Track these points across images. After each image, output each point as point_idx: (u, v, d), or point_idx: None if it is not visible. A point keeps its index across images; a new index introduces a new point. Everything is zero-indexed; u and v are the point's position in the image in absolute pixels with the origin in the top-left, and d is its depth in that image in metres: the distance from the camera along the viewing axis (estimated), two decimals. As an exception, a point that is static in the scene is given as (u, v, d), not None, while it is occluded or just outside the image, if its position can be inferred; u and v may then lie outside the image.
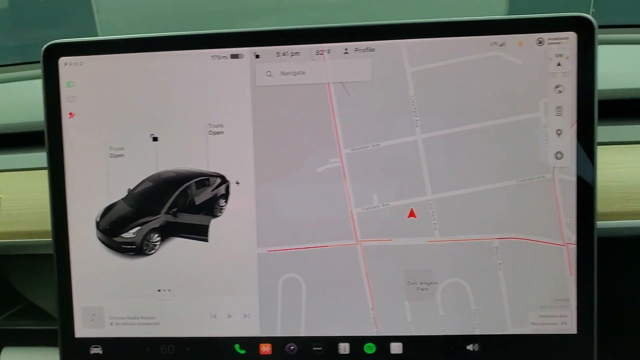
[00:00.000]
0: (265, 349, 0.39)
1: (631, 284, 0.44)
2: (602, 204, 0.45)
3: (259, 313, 0.39)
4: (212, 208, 0.39)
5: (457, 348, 0.38)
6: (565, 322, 0.38)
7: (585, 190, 0.37)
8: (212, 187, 0.38)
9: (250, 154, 0.38)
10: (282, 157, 0.38)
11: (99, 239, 0.39)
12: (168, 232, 0.39)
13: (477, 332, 0.38)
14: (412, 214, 0.38)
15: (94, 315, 0.40)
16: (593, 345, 0.37)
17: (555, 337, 0.38)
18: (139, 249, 0.39)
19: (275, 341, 0.39)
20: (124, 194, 0.39)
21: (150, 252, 0.39)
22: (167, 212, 0.39)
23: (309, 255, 0.38)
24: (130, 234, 0.39)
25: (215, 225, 0.39)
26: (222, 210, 0.39)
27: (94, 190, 0.39)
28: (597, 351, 0.37)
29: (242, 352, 0.39)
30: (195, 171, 0.38)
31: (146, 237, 0.39)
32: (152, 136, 0.38)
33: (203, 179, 0.38)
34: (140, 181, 0.39)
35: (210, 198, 0.39)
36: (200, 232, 0.39)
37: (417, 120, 0.37)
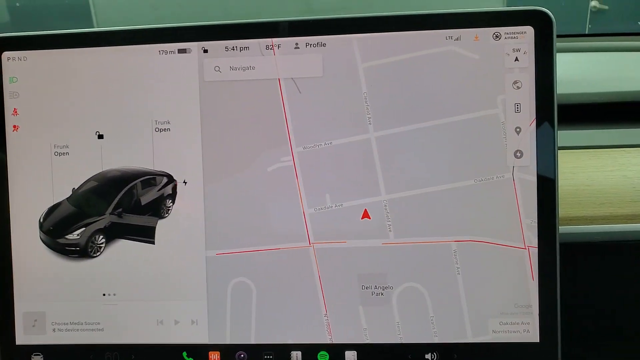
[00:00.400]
0: (214, 357, 0.37)
1: (602, 290, 0.42)
2: (574, 208, 0.44)
3: (207, 319, 0.37)
4: (158, 209, 0.37)
5: (414, 357, 0.36)
6: (527, 330, 0.36)
7: (547, 190, 0.35)
8: (159, 187, 0.37)
9: (198, 152, 0.37)
10: (231, 156, 0.36)
11: (42, 240, 0.38)
12: (113, 233, 0.37)
13: (436, 340, 0.36)
14: (365, 215, 0.36)
15: (35, 321, 0.38)
16: (557, 354, 0.36)
17: (517, 346, 0.36)
18: (84, 251, 0.37)
19: (224, 349, 0.37)
20: (69, 193, 0.37)
21: (94, 255, 0.37)
22: (112, 213, 0.37)
23: (260, 258, 0.37)
24: (74, 235, 0.37)
25: (162, 227, 0.37)
26: (169, 211, 0.37)
27: (37, 189, 0.38)
28: (561, 360, 0.36)
29: (190, 360, 0.37)
30: (141, 170, 0.37)
31: (91, 239, 0.37)
32: (98, 133, 0.37)
33: (149, 178, 0.37)
34: (84, 180, 0.37)
35: (157, 198, 0.37)
36: (146, 234, 0.37)
37: (369, 118, 0.36)
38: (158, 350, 0.37)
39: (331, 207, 0.36)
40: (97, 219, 0.37)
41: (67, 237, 0.38)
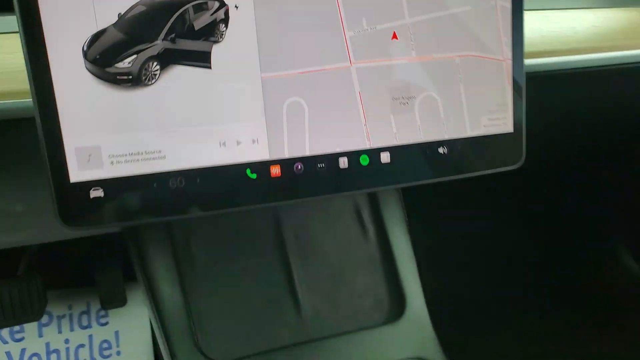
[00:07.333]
0: (275, 170, 0.41)
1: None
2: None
3: (267, 137, 0.41)
4: (212, 33, 0.38)
5: (431, 152, 0.46)
6: (505, 123, 0.48)
7: (518, 15, 0.46)
8: (211, 11, 0.38)
9: (249, -23, 0.38)
10: (280, -19, 0.39)
11: (89, 70, 0.36)
12: (167, 60, 0.38)
13: (446, 137, 0.46)
14: (394, 36, 0.43)
15: (90, 155, 0.37)
16: (522, 141, 0.49)
17: (499, 137, 0.48)
18: (137, 79, 0.37)
19: (283, 163, 0.42)
20: (114, 19, 0.36)
21: (150, 82, 0.37)
22: (164, 39, 0.37)
23: (310, 78, 0.41)
24: (125, 64, 0.37)
25: (217, 52, 0.39)
26: (223, 36, 0.39)
27: (76, 14, 0.35)
28: (525, 146, 0.49)
29: (254, 176, 0.41)
30: (193, -6, 0.37)
31: (144, 66, 0.37)
32: (142, -46, 0.36)
33: (201, 3, 0.38)
34: (131, 5, 0.36)
35: (210, 23, 0.38)
36: (202, 59, 0.38)
37: (396, -51, 0.42)
38: (222, 170, 0.40)
39: (367, 29, 0.42)
40: (149, 45, 0.37)
41: (117, 65, 0.36)
